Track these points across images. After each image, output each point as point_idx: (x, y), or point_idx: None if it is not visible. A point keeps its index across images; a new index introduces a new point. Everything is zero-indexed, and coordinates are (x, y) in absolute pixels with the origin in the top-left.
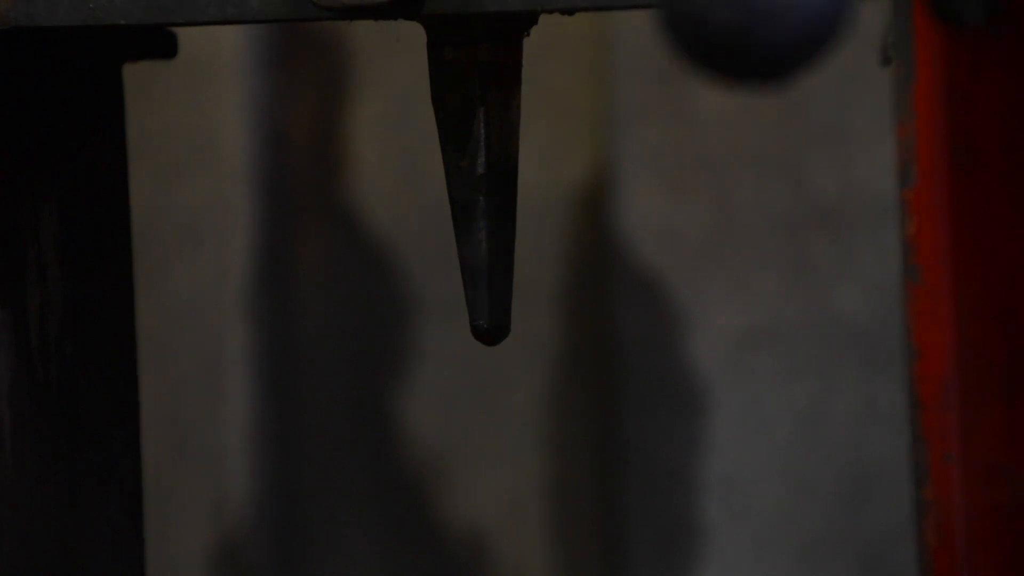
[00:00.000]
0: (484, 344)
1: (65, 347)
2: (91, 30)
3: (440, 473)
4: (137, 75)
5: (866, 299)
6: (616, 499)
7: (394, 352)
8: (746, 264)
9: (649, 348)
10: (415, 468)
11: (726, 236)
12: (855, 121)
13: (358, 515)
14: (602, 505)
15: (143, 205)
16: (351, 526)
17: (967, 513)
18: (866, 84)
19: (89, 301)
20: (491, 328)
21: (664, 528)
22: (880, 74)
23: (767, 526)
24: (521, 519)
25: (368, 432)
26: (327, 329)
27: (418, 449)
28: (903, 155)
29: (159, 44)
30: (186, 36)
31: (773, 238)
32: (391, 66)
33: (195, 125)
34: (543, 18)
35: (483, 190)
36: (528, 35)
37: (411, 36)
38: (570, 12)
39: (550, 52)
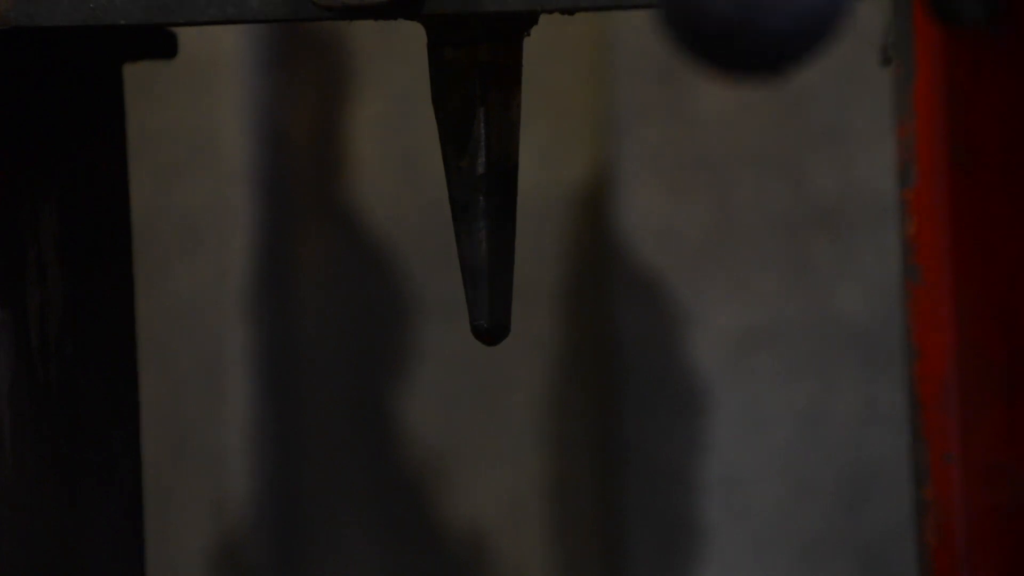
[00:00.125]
0: (484, 344)
1: (65, 347)
2: (91, 30)
3: (440, 473)
4: (137, 75)
5: (866, 299)
6: (616, 499)
7: (394, 352)
8: (746, 264)
9: (649, 348)
10: (415, 468)
11: (726, 236)
12: (855, 121)
13: (358, 515)
14: (602, 505)
15: (143, 205)
16: (351, 526)
17: (967, 513)
18: (866, 84)
19: (89, 301)
20: (491, 328)
21: (664, 528)
22: (880, 74)
23: (767, 526)
24: (521, 519)
25: (368, 432)
26: (327, 329)
27: (418, 449)
28: (903, 155)
29: (159, 44)
30: (186, 36)
31: (773, 238)
32: (391, 66)
33: (195, 125)
34: (543, 18)
35: (483, 190)
36: (528, 35)
37: (411, 36)
38: (570, 12)
39: (550, 52)
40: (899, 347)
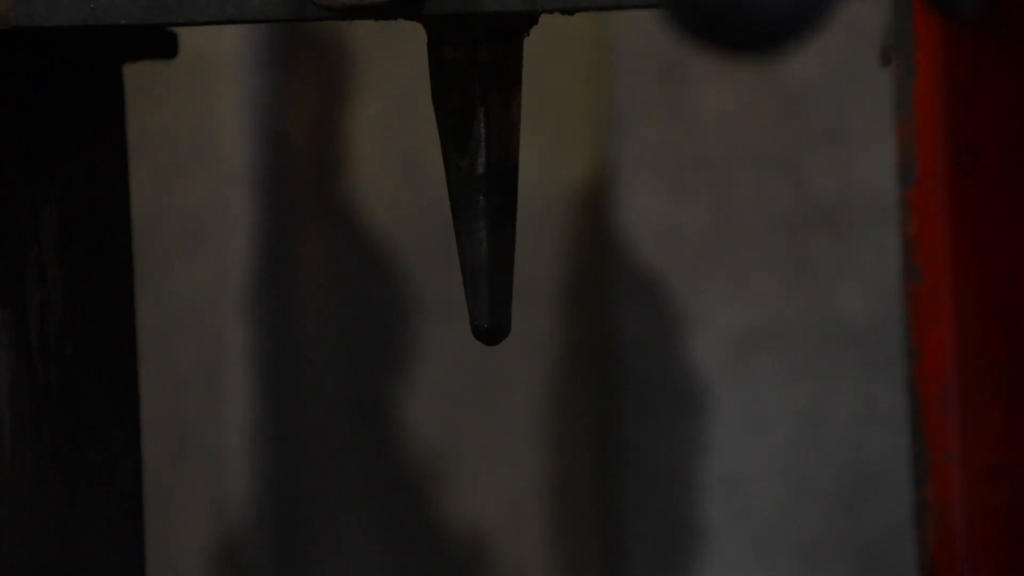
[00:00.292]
0: (484, 344)
1: (65, 347)
2: (91, 30)
3: (440, 473)
4: (137, 75)
5: (866, 299)
6: (616, 499)
7: (394, 352)
8: (746, 264)
9: (649, 348)
10: (415, 468)
11: (726, 236)
12: (855, 121)
13: (358, 515)
14: (602, 505)
15: (143, 205)
16: (351, 526)
17: (967, 513)
18: (866, 84)
19: (89, 301)
20: (491, 328)
21: (664, 528)
22: (880, 74)
23: (767, 526)
24: (521, 519)
25: (368, 432)
26: (327, 329)
27: (418, 449)
28: (903, 155)
29: (159, 44)
30: (186, 36)
31: (773, 238)
32: (391, 66)
33: (195, 125)
34: (543, 18)
35: (483, 190)
36: (528, 35)
37: (411, 36)
38: (570, 12)
39: (550, 52)
40: (899, 347)
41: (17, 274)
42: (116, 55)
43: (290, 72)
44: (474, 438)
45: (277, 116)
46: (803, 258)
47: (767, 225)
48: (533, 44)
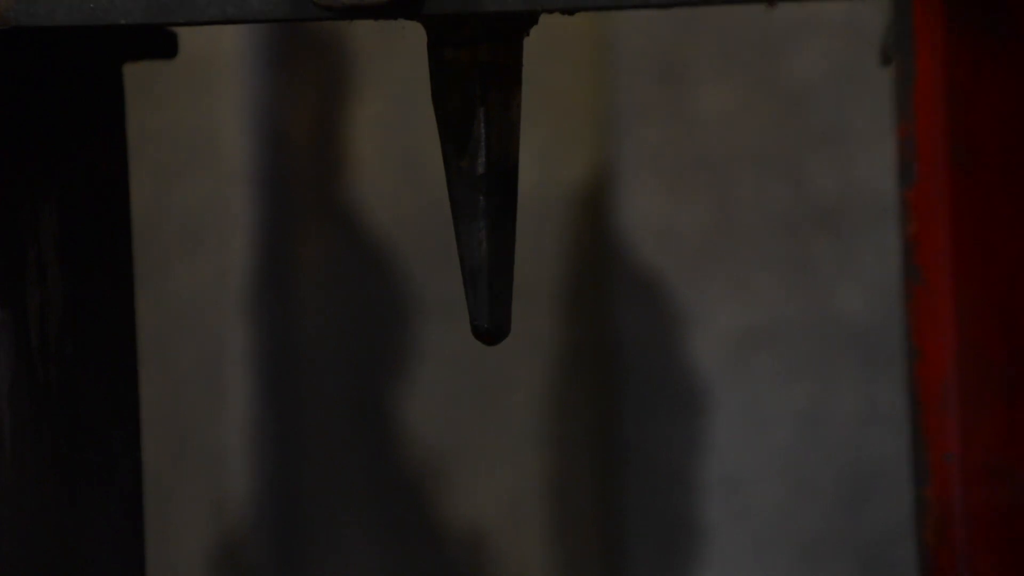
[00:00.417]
0: (484, 344)
1: (65, 347)
2: (91, 30)
3: (440, 473)
4: (137, 75)
5: (866, 299)
6: (616, 499)
7: (394, 352)
8: (746, 264)
9: (649, 348)
10: (415, 468)
11: (726, 236)
12: (855, 121)
13: (358, 515)
14: (602, 505)
15: (143, 205)
16: (351, 526)
17: (967, 513)
18: (866, 84)
19: (89, 301)
20: (491, 328)
21: (664, 528)
22: (880, 74)
23: (767, 526)
24: (521, 519)
25: (368, 432)
26: (327, 329)
27: (418, 449)
28: (903, 155)
29: (159, 44)
30: (186, 36)
31: (773, 238)
32: (391, 66)
33: (195, 125)
34: (543, 18)
35: (483, 190)
36: (528, 35)
37: (411, 36)
38: (570, 12)
39: (550, 52)
40: (899, 347)
41: (17, 274)
42: (116, 55)
43: (290, 72)
44: (474, 438)
45: (277, 116)
46: (803, 258)
47: (767, 225)
48: (533, 44)
